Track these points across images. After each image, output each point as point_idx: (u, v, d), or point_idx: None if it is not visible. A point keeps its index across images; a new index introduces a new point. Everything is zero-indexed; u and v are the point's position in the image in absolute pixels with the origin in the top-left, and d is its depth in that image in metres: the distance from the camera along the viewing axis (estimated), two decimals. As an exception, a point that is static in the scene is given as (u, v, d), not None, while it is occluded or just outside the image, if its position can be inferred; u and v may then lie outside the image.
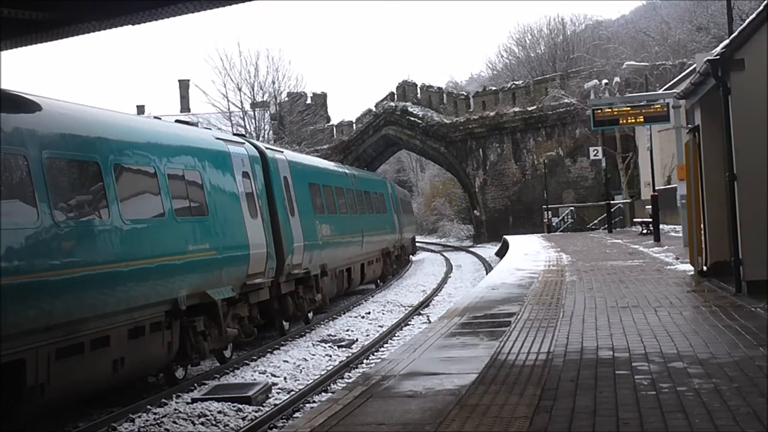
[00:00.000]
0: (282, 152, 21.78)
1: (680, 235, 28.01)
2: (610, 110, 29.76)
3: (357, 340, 18.69)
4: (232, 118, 55.26)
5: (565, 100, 56.87)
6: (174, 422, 11.56)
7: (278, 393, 13.36)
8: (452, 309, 14.48)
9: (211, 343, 14.87)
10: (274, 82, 59.93)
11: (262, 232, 17.51)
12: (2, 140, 9.89)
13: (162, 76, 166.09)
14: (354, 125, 70.06)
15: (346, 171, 31.34)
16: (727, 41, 14.33)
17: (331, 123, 71.28)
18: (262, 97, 58.58)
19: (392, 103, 66.62)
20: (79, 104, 12.93)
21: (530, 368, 8.65)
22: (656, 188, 32.51)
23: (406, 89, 66.80)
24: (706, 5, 57.24)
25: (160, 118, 17.84)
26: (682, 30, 59.83)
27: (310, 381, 14.04)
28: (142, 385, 14.42)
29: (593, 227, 52.29)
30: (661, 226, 31.49)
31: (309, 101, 67.52)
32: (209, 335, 14.74)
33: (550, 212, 54.95)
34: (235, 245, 15.97)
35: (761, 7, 13.34)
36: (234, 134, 20.55)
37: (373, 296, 28.24)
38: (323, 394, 13.05)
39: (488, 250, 49.70)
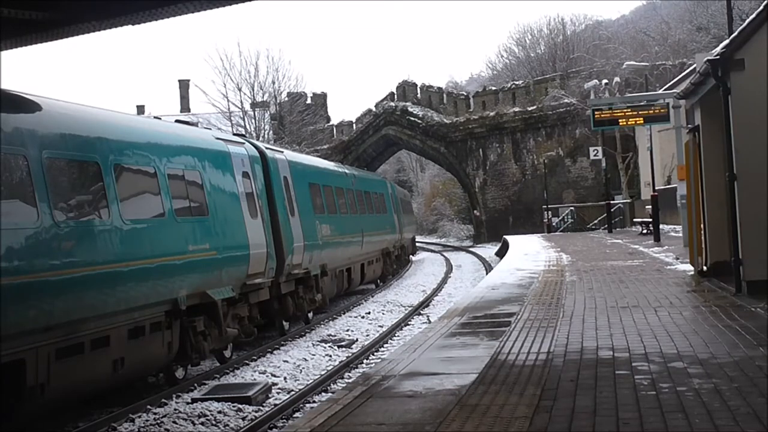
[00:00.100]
0: (282, 152, 21.78)
1: (680, 235, 28.01)
2: (610, 110, 29.76)
3: (357, 340, 18.69)
4: (232, 118, 55.26)
5: (565, 100, 56.87)
6: (174, 422, 11.56)
7: (278, 393, 13.36)
8: (452, 309, 14.48)
9: (211, 343, 14.86)
10: (274, 82, 60.02)
11: (262, 232, 17.52)
12: (2, 140, 9.89)
13: (162, 76, 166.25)
14: (354, 125, 70.06)
15: (346, 171, 31.34)
16: (727, 41, 14.33)
17: (331, 123, 71.28)
18: (262, 97, 58.61)
19: (392, 103, 66.62)
20: (79, 104, 12.93)
21: (530, 368, 8.65)
22: (656, 188, 32.51)
23: (406, 89, 66.80)
24: (706, 5, 57.24)
25: (160, 118, 17.85)
26: (682, 30, 59.84)
27: (310, 381, 14.04)
28: (142, 385, 14.42)
29: (593, 227, 52.29)
30: (661, 226, 31.49)
31: (309, 101, 67.52)
32: (209, 335, 14.74)
33: (550, 212, 54.95)
34: (235, 245, 15.97)
35: (761, 7, 13.34)
36: (234, 134, 20.55)
37: (373, 296, 28.24)
38: (323, 394, 13.05)
39: (488, 250, 49.70)
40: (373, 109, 69.03)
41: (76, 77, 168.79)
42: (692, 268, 17.55)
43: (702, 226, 16.07)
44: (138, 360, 12.58)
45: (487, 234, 61.91)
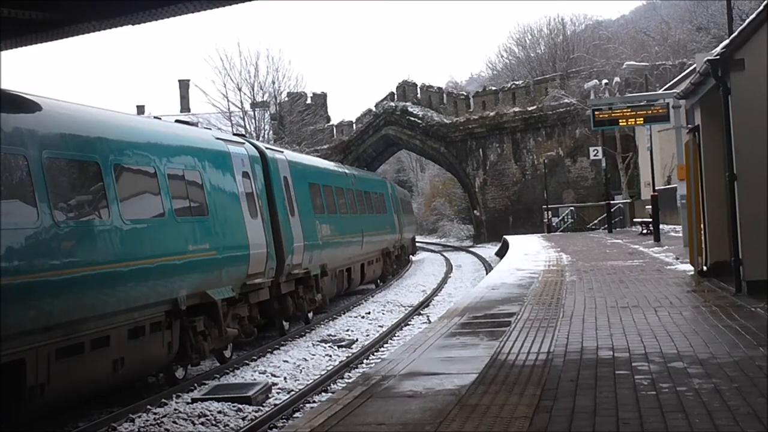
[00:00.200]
0: (282, 152, 21.78)
1: (680, 235, 28.01)
2: (610, 110, 29.76)
3: (357, 340, 18.69)
4: (232, 118, 55.27)
5: (565, 100, 56.88)
6: (174, 422, 11.56)
7: (278, 393, 13.36)
8: (452, 309, 14.48)
9: (211, 343, 14.86)
10: (274, 82, 60.03)
11: (262, 232, 17.52)
12: (2, 140, 9.89)
13: (162, 76, 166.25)
14: (354, 125, 70.06)
15: (346, 171, 31.34)
16: (727, 41, 14.33)
17: (331, 123, 71.28)
18: (262, 97, 58.62)
19: (392, 103, 66.62)
20: (79, 104, 12.93)
21: (530, 368, 8.65)
22: (656, 188, 32.50)
23: (406, 89, 66.81)
24: (706, 5, 57.24)
25: (160, 118, 17.84)
26: (682, 30, 59.84)
27: (310, 381, 14.04)
28: (142, 385, 14.42)
29: (593, 227, 52.29)
30: (661, 226, 31.49)
31: (309, 101, 67.53)
32: (209, 335, 14.74)
33: (550, 212, 54.95)
34: (235, 245, 15.97)
35: (761, 7, 13.34)
36: (234, 134, 20.55)
37: (373, 296, 28.24)
38: (323, 394, 13.05)
39: (488, 250, 49.70)
40: (373, 109, 69.03)
41: (76, 77, 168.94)
42: (692, 268, 17.55)
43: (702, 226, 16.07)
44: (138, 360, 12.58)
45: (487, 234, 61.92)
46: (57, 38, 12.49)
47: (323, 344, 17.89)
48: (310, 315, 21.63)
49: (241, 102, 56.71)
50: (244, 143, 18.43)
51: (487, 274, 27.97)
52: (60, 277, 10.53)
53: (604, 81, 47.87)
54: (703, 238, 16.05)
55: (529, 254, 28.21)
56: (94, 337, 11.32)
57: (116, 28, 12.23)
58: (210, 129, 23.96)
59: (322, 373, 14.67)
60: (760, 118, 12.84)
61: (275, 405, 12.28)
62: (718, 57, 13.28)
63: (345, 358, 16.19)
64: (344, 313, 23.63)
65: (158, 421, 11.66)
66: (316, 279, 21.59)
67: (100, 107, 13.75)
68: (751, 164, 12.97)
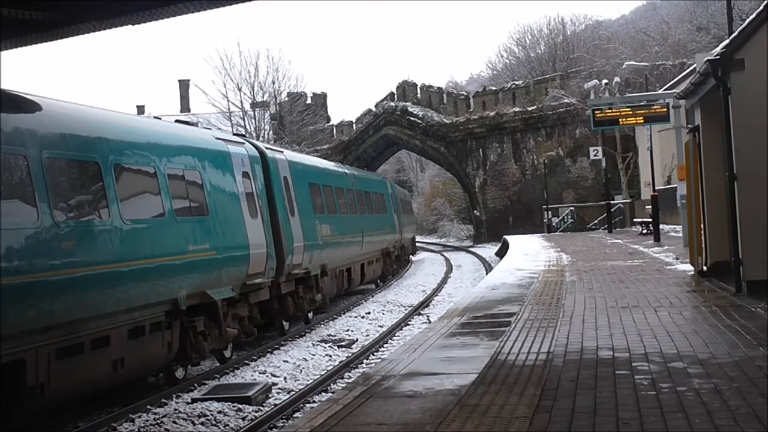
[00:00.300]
0: (282, 152, 21.78)
1: (680, 235, 28.01)
2: (610, 110, 29.75)
3: (357, 340, 18.69)
4: (232, 118, 55.27)
5: (565, 100, 56.88)
6: (174, 422, 11.56)
7: (278, 393, 13.36)
8: (452, 309, 14.48)
9: (211, 343, 14.86)
10: (274, 82, 60.03)
11: (262, 232, 17.52)
12: (2, 140, 9.89)
13: (162, 76, 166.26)
14: (354, 125, 70.06)
15: (346, 171, 31.34)
16: (727, 41, 14.33)
17: (331, 123, 71.28)
18: (262, 97, 58.62)
19: (392, 103, 66.62)
20: (79, 104, 12.93)
21: (530, 368, 8.65)
22: (656, 188, 32.50)
23: (406, 89, 66.81)
24: (706, 5, 57.24)
25: (160, 118, 17.84)
26: (682, 30, 59.83)
27: (310, 381, 14.04)
28: (142, 385, 14.42)
29: (593, 227, 52.29)
30: (661, 226, 31.49)
31: (309, 101, 67.53)
32: (209, 335, 14.74)
33: (550, 212, 54.96)
34: (235, 245, 15.97)
35: (761, 7, 13.34)
36: (234, 134, 20.55)
37: (373, 296, 28.24)
38: (323, 394, 13.05)
39: (488, 250, 49.70)
40: (373, 109, 69.03)
41: (76, 77, 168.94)
42: (692, 268, 17.55)
43: (702, 226, 16.07)
44: (138, 360, 12.58)
45: (487, 234, 61.92)
46: (57, 38, 12.49)
47: (323, 344, 17.89)
48: (310, 315, 21.63)
49: (241, 102, 56.78)
50: (244, 143, 18.43)
51: (487, 274, 27.97)
52: (60, 277, 10.52)
53: (604, 81, 47.87)
54: (703, 238, 16.05)
55: (529, 254, 28.21)
56: (94, 337, 11.32)
57: (116, 28, 12.24)
58: (210, 129, 23.96)
59: (322, 373, 14.67)
60: (760, 118, 12.84)
61: (275, 405, 12.28)
62: (718, 57, 13.28)
63: (345, 358, 16.19)
64: (344, 313, 23.63)
65: (158, 421, 11.66)
66: (316, 279, 21.59)
67: (100, 107, 13.75)
68: (751, 164, 12.97)
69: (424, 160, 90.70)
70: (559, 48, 72.12)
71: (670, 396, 7.09)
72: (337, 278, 24.87)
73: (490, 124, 61.78)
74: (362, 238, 28.24)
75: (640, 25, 71.90)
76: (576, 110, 54.90)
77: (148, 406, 12.41)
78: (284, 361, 15.90)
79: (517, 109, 60.75)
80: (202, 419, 11.64)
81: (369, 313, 23.29)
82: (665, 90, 36.49)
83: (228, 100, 56.04)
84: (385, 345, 17.67)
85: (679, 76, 40.15)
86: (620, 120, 29.82)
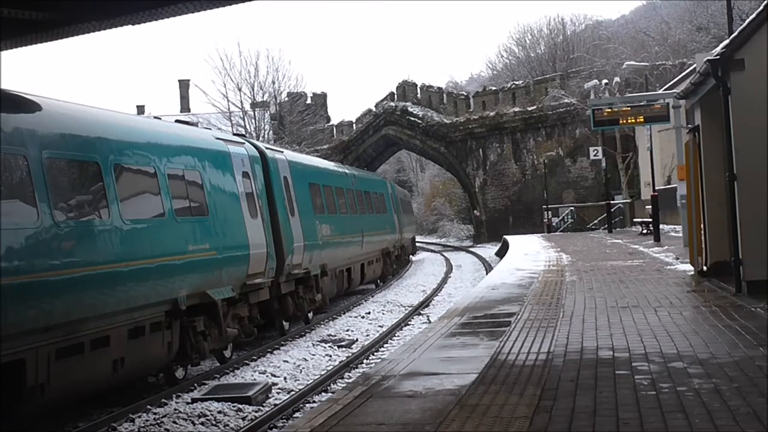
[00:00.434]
0: (282, 152, 21.78)
1: (680, 235, 28.01)
2: (610, 110, 29.75)
3: (357, 340, 18.69)
4: (232, 118, 55.26)
5: (565, 100, 56.88)
6: (174, 422, 11.56)
7: (278, 393, 13.36)
8: (452, 309, 14.48)
9: (211, 343, 14.86)
10: (274, 82, 60.03)
11: (262, 232, 17.51)
12: (2, 140, 9.89)
13: (162, 76, 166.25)
14: (354, 125, 70.06)
15: (346, 171, 31.34)
16: (727, 41, 14.33)
17: (331, 123, 71.28)
18: (262, 97, 58.62)
19: (392, 103, 66.62)
20: (79, 104, 12.93)
21: (530, 368, 8.65)
22: (656, 188, 32.51)
23: (406, 89, 66.81)
24: (706, 5, 57.24)
25: (160, 118, 17.84)
26: (682, 30, 59.83)
27: (310, 381, 14.03)
28: (142, 385, 14.42)
29: (593, 227, 52.30)
30: (661, 226, 31.49)
31: (309, 101, 67.53)
32: (209, 335, 14.74)
33: (550, 212, 54.96)
34: (235, 245, 15.97)
35: (761, 7, 13.34)
36: (234, 134, 20.55)
37: (373, 296, 28.24)
38: (323, 394, 13.05)
39: (488, 250, 49.70)
40: (373, 109, 69.03)
41: (76, 77, 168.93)
42: (692, 268, 17.55)
43: (702, 226, 16.07)
44: (138, 360, 12.58)
45: (487, 234, 61.92)
46: (57, 38, 12.49)
47: (323, 344, 17.89)
48: (310, 315, 21.63)
49: (241, 102, 56.78)
50: (244, 143, 18.43)
51: (487, 274, 27.97)
52: (60, 277, 10.52)
53: (604, 81, 47.87)
54: (703, 238, 16.05)
55: (529, 254, 28.21)
56: (94, 337, 11.32)
57: (116, 28, 12.23)
58: (210, 129, 23.96)
59: (322, 373, 14.67)
60: (760, 118, 12.84)
61: (275, 405, 12.28)
62: (718, 57, 13.27)
63: (345, 358, 16.19)
64: (344, 313, 23.63)
65: (158, 421, 11.66)
66: (316, 279, 21.59)
67: (100, 107, 13.75)
68: (751, 164, 12.97)
69: (424, 160, 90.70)
70: (559, 48, 72.12)
71: (670, 396, 7.09)
72: (337, 278, 24.87)
73: (490, 124, 61.79)
74: (362, 238, 28.24)
75: (640, 25, 71.90)
76: (576, 110, 54.91)
77: (148, 406, 12.41)
78: (284, 361, 15.90)
79: (517, 109, 60.75)
80: (202, 419, 11.64)
81: (369, 313, 23.29)
82: (665, 90, 36.49)
83: (228, 100, 56.13)
84: (385, 345, 17.67)
85: (679, 76, 40.16)
86: (620, 120, 29.81)
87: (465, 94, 67.53)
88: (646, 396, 7.13)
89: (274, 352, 17.30)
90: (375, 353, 16.63)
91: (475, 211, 65.71)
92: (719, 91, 13.41)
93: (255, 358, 16.59)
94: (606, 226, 44.50)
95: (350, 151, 68.23)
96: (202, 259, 14.52)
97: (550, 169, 57.86)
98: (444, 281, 33.04)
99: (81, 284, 10.95)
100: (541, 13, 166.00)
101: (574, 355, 9.26)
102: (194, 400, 12.57)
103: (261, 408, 12.32)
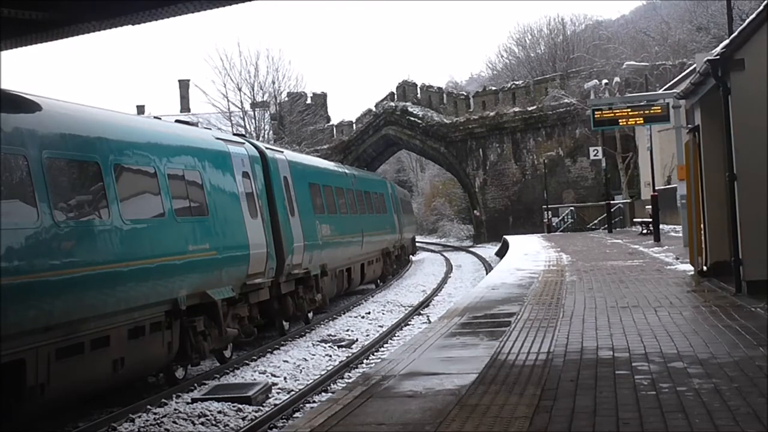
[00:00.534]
0: (282, 152, 21.78)
1: (680, 235, 28.01)
2: (610, 110, 29.75)
3: (357, 340, 18.69)
4: (232, 118, 55.27)
5: (565, 100, 56.88)
6: (174, 422, 11.55)
7: (278, 393, 13.36)
8: (452, 309, 14.48)
9: (211, 343, 14.86)
10: (274, 82, 60.04)
11: (262, 232, 17.51)
12: (2, 140, 9.89)
13: (162, 76, 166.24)
14: (354, 125, 70.06)
15: (346, 171, 31.34)
16: (727, 41, 14.33)
17: (331, 123, 71.28)
18: (262, 97, 58.63)
19: (392, 103, 66.62)
20: (79, 104, 12.93)
21: (530, 368, 8.65)
22: (656, 188, 32.51)
23: (406, 89, 66.81)
24: (706, 5, 57.24)
25: (160, 118, 17.84)
26: (682, 30, 59.83)
27: (310, 381, 14.04)
28: (142, 385, 14.42)
29: (593, 227, 52.30)
30: (661, 226, 31.49)
31: (309, 101, 67.53)
32: (209, 335, 14.74)
33: (550, 212, 54.96)
34: (235, 245, 15.97)
35: (761, 7, 13.34)
36: (234, 134, 20.55)
37: (373, 296, 28.24)
38: (323, 394, 13.05)
39: (488, 250, 49.70)
40: (373, 109, 69.03)
41: (76, 77, 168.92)
42: (692, 268, 17.55)
43: (702, 226, 16.07)
44: (138, 360, 12.58)
45: (487, 234, 61.92)
46: (57, 38, 12.49)
47: (323, 344, 17.89)
48: (310, 315, 21.63)
49: (241, 102, 56.79)
50: (244, 143, 18.43)
51: (487, 274, 27.97)
52: (60, 277, 10.53)
53: (604, 81, 47.87)
54: (703, 238, 16.05)
55: (529, 254, 28.21)
56: (94, 337, 11.32)
57: (116, 28, 12.24)
58: (210, 129, 23.96)
59: (322, 373, 14.67)
60: (760, 118, 12.84)
61: (275, 405, 12.28)
62: (718, 57, 13.28)
63: (345, 358, 16.19)
64: (344, 313, 23.63)
65: (158, 421, 11.66)
66: (316, 279, 21.59)
67: (100, 107, 13.76)
68: (751, 164, 12.97)
69: (424, 160, 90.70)
70: (559, 48, 72.12)
71: (670, 396, 7.09)
72: (337, 278, 24.87)
73: (490, 124, 61.79)
74: (362, 238, 28.24)
75: (640, 25, 71.90)
76: (576, 110, 54.91)
77: (148, 406, 12.41)
78: (284, 361, 15.90)
79: (517, 109, 60.75)
80: (202, 419, 11.64)
81: (369, 313, 23.29)
82: (665, 90, 36.49)
83: (228, 100, 56.14)
84: (385, 345, 17.67)
85: (679, 76, 40.16)
86: (620, 120, 29.83)
87: (465, 94, 67.53)
88: (646, 396, 7.13)
89: (274, 352, 17.30)
90: (375, 353, 16.63)
91: (475, 211, 65.71)
92: (719, 91, 13.41)
93: (255, 358, 16.59)
94: (606, 226, 44.50)
95: (350, 151, 68.22)
96: (202, 259, 14.52)
97: (550, 169, 57.87)
98: (444, 281, 33.04)
99: (81, 284, 10.95)
100: (541, 13, 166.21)
101: (574, 355, 9.26)
102: (194, 400, 12.57)
103: (261, 408, 12.32)
